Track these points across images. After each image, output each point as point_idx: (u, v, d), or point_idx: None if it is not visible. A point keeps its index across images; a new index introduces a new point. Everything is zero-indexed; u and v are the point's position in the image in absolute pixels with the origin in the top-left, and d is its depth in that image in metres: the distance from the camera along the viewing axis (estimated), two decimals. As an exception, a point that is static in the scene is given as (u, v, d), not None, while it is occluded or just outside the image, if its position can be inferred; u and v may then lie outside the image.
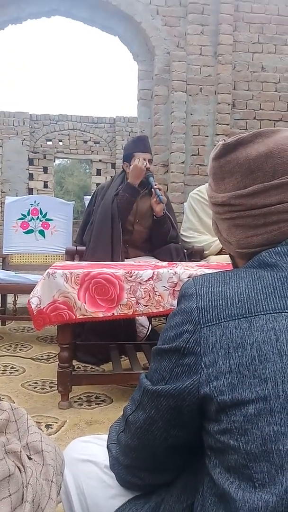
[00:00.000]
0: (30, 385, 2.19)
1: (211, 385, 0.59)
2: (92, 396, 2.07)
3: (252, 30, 4.19)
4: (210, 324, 0.61)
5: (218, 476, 0.59)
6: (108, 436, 0.81)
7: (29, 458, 0.73)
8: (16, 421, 0.84)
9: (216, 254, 3.04)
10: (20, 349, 2.82)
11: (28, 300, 1.88)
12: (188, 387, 0.62)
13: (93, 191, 3.37)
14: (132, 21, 4.09)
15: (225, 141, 0.73)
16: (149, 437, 0.68)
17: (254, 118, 4.24)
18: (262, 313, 0.60)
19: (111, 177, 9.66)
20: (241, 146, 0.70)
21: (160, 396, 0.65)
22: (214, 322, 0.61)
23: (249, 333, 0.59)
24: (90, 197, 3.28)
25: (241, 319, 0.60)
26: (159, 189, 2.81)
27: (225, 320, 0.61)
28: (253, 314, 0.60)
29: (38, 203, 3.46)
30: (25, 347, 2.87)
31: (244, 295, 0.62)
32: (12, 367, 2.45)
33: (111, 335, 2.52)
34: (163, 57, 4.09)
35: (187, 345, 0.62)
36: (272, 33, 4.21)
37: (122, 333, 2.58)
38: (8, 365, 2.48)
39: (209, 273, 0.69)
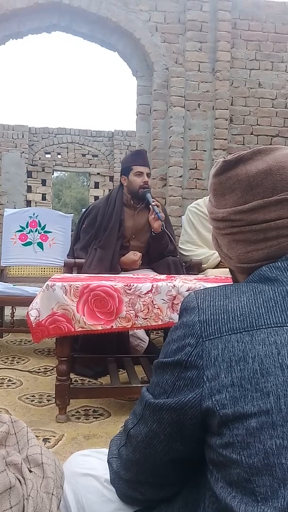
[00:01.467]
0: (27, 398, 2.18)
1: (213, 399, 0.60)
2: (90, 409, 2.06)
3: (250, 48, 4.27)
4: (212, 337, 0.62)
5: (220, 490, 0.59)
6: (109, 450, 0.81)
7: (30, 471, 0.72)
8: (16, 433, 0.83)
9: (214, 268, 3.06)
10: (17, 362, 2.80)
11: (27, 313, 1.88)
12: (190, 401, 0.62)
13: (86, 207, 3.44)
14: (131, 37, 4.16)
15: (225, 158, 0.75)
16: (151, 451, 0.68)
17: (251, 134, 4.29)
18: (264, 327, 0.60)
19: (109, 190, 9.72)
20: (241, 163, 0.72)
21: (162, 410, 0.65)
22: (216, 336, 0.62)
23: (251, 346, 0.59)
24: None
25: (243, 333, 0.61)
26: (157, 206, 2.82)
27: (227, 334, 0.61)
28: (255, 328, 0.61)
29: (37, 216, 3.48)
30: (22, 360, 2.85)
31: (246, 309, 0.62)
32: (9, 380, 2.43)
33: (104, 348, 2.51)
34: (162, 73, 4.15)
35: (189, 359, 0.63)
36: (269, 50, 4.29)
37: (115, 346, 2.58)
38: (5, 378, 2.47)
39: (211, 287, 0.69)
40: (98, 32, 4.25)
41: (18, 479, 0.68)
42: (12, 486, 0.66)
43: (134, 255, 2.86)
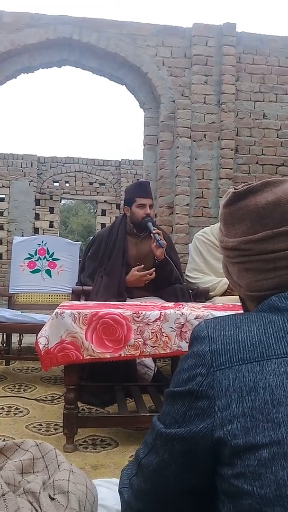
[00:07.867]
0: (34, 427, 2.16)
1: (224, 429, 0.60)
2: (97, 439, 2.03)
3: (254, 80, 4.38)
4: (223, 367, 0.63)
5: (232, 521, 0.59)
6: (120, 480, 0.80)
7: (52, 498, 0.70)
8: (43, 456, 0.79)
9: (221, 295, 3.05)
10: (24, 390, 2.79)
11: (36, 340, 1.89)
12: (201, 431, 0.62)
13: (92, 234, 3.48)
14: (139, 71, 4.29)
15: (235, 189, 0.77)
16: (162, 481, 0.68)
17: (257, 163, 4.36)
18: (274, 357, 0.61)
19: (115, 217, 9.83)
20: (251, 194, 0.74)
21: (174, 440, 0.65)
22: (227, 366, 0.63)
23: (261, 377, 0.60)
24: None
25: (254, 363, 0.61)
26: (158, 234, 2.85)
27: (238, 364, 0.62)
28: (265, 358, 0.61)
29: (46, 243, 3.52)
30: (29, 388, 2.84)
31: (256, 339, 0.63)
32: (16, 408, 2.41)
33: (111, 376, 2.50)
34: (168, 105, 4.26)
35: (200, 388, 0.63)
36: (273, 83, 4.40)
37: (122, 374, 2.56)
38: (12, 406, 2.45)
39: (220, 316, 0.70)
40: (106, 66, 4.39)
41: (35, 509, 0.66)
42: None
43: (137, 270, 2.86)
